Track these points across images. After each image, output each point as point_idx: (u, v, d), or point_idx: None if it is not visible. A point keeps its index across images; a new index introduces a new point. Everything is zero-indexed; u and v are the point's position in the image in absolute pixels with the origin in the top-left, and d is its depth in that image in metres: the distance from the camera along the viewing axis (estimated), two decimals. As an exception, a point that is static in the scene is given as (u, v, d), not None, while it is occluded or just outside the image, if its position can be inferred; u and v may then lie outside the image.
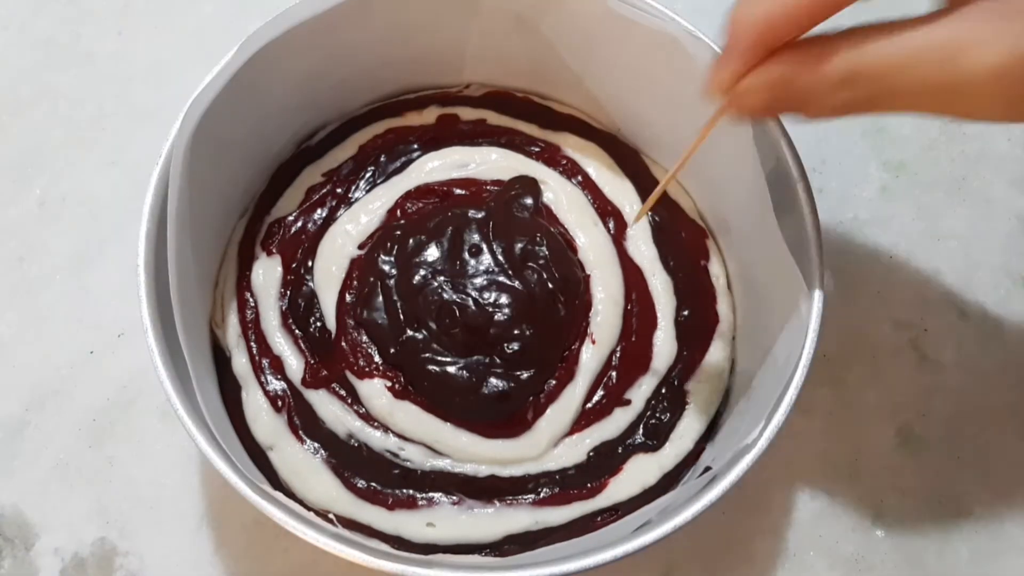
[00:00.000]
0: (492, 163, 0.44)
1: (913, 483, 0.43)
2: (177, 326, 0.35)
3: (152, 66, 0.53)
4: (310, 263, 0.42)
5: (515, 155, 0.45)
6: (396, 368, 0.39)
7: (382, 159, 0.45)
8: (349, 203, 0.43)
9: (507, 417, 0.38)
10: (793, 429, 0.43)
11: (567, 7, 0.40)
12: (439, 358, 0.38)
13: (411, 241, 0.41)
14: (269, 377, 0.40)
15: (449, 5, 0.42)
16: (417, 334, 0.39)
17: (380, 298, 0.40)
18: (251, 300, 0.41)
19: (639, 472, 0.38)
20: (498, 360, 0.38)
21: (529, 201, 0.42)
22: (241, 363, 0.40)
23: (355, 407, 0.39)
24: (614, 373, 0.40)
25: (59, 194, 0.49)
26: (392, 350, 0.39)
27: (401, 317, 0.39)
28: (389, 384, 0.39)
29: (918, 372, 0.46)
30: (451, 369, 0.38)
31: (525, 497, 0.38)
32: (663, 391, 0.40)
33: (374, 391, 0.39)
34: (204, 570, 0.41)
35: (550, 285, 0.39)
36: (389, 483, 0.38)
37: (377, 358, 0.39)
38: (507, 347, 0.38)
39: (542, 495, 0.38)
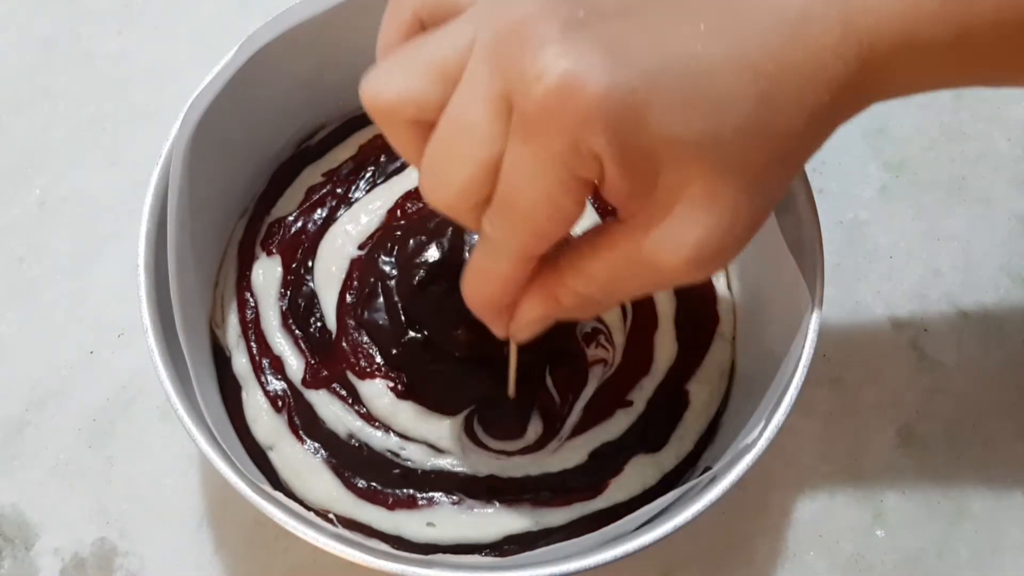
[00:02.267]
0: (492, 163, 0.44)
1: (913, 483, 0.43)
2: (177, 326, 0.35)
3: (152, 66, 0.53)
4: (310, 263, 0.42)
5: (515, 155, 0.44)
6: (398, 369, 0.39)
7: (382, 159, 0.44)
8: (349, 203, 0.43)
9: (509, 416, 0.38)
10: (793, 429, 0.43)
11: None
12: (441, 358, 0.38)
13: (411, 242, 0.40)
14: (269, 377, 0.40)
15: (449, 5, 0.42)
16: (419, 335, 0.39)
17: (381, 299, 0.40)
18: (251, 300, 0.41)
19: (639, 473, 0.38)
20: (501, 359, 0.38)
21: (529, 201, 0.42)
22: (241, 363, 0.40)
23: (356, 407, 0.39)
24: (615, 374, 0.40)
25: (59, 194, 0.49)
26: (393, 351, 0.39)
27: (402, 318, 0.39)
28: (391, 384, 0.39)
29: (918, 372, 0.45)
30: (453, 369, 0.38)
31: (525, 497, 0.38)
32: (663, 392, 0.40)
33: (376, 391, 0.38)
34: (204, 570, 0.41)
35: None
36: (389, 483, 0.38)
37: (378, 359, 0.39)
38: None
39: (542, 496, 0.38)
